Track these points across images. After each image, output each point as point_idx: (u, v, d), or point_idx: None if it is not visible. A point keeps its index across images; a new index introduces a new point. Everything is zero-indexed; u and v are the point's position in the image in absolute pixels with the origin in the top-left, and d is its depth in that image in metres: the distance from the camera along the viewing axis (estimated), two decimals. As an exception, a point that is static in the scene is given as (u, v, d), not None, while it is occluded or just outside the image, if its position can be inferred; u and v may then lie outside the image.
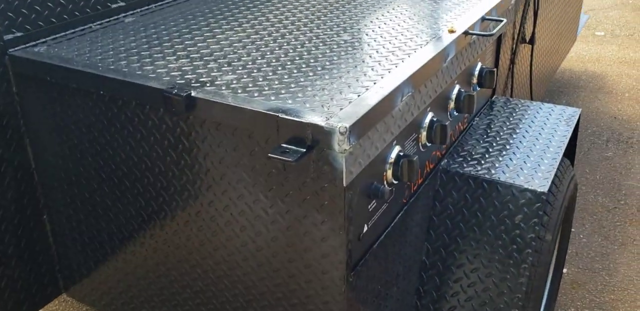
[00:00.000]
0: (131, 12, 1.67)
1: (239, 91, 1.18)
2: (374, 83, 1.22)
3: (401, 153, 1.31)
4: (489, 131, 1.85)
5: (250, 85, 1.21)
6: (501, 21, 1.66)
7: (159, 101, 1.20)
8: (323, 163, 1.09)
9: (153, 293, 1.56)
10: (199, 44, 1.44)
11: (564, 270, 2.63)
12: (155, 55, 1.37)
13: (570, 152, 2.08)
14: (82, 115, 1.37)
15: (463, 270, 1.63)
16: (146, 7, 1.72)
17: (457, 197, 1.64)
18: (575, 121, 1.90)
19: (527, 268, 1.56)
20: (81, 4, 1.53)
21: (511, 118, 1.92)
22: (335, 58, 1.36)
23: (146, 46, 1.43)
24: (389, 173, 1.30)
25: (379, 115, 1.15)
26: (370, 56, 1.36)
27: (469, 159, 1.69)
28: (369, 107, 1.11)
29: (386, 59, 1.35)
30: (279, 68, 1.30)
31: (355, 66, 1.31)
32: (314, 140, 1.06)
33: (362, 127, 1.09)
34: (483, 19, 1.64)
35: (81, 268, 1.68)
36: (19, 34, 1.39)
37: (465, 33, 1.53)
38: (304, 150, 1.06)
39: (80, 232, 1.60)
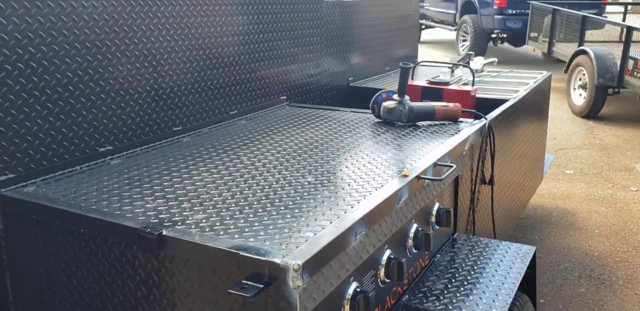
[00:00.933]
0: (117, 154, 1.84)
1: (207, 230, 1.31)
2: (330, 222, 1.35)
3: (358, 289, 1.40)
4: (449, 268, 1.94)
5: (217, 224, 1.34)
6: (451, 166, 1.84)
7: (134, 239, 1.32)
8: (279, 298, 1.18)
9: None
10: (175, 185, 1.59)
11: None
12: (135, 196, 1.51)
13: (530, 289, 2.16)
14: (63, 251, 1.47)
15: None
16: (132, 150, 1.89)
17: (419, 332, 1.69)
18: (529, 258, 2.01)
19: None
20: (71, 148, 1.70)
21: (470, 256, 2.03)
22: (298, 198, 1.50)
23: (127, 187, 1.58)
24: (347, 308, 1.38)
25: (332, 253, 1.26)
26: (329, 197, 1.51)
27: (429, 295, 1.77)
28: (322, 245, 1.23)
29: (344, 200, 1.49)
30: (246, 207, 1.44)
31: (315, 206, 1.45)
32: (271, 276, 1.16)
33: (316, 264, 1.20)
34: (435, 164, 1.82)
35: None
36: (11, 176, 1.54)
37: (418, 177, 1.69)
38: (262, 286, 1.16)
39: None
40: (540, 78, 3.59)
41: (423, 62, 3.12)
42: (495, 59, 4.01)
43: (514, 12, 10.19)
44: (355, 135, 2.17)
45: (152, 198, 1.50)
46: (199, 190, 1.56)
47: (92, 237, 1.41)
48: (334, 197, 1.51)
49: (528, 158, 3.40)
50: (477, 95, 3.01)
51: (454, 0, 12.04)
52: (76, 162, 1.71)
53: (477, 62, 3.97)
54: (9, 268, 1.56)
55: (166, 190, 1.56)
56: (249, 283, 1.17)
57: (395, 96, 2.35)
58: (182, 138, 2.09)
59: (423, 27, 14.33)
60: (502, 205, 2.81)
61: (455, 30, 11.95)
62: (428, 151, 1.94)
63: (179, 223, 1.34)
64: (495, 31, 10.43)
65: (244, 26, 2.38)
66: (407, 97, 2.35)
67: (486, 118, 2.42)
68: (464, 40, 11.39)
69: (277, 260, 1.16)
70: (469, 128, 2.28)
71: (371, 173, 1.71)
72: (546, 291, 3.40)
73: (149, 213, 1.40)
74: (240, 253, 1.19)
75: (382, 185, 1.60)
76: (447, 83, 3.02)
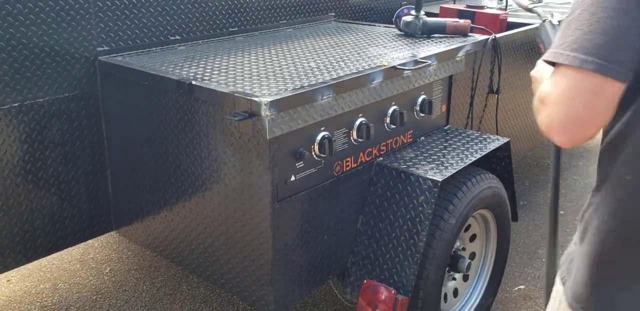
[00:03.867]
0: (184, 43, 2.53)
1: (222, 83, 1.96)
2: (306, 84, 1.95)
3: (325, 136, 2.01)
4: (426, 146, 2.49)
5: (230, 81, 1.99)
6: (426, 62, 2.34)
7: (175, 87, 2.00)
8: (258, 123, 1.82)
9: (177, 232, 2.30)
10: (216, 62, 2.25)
11: (521, 287, 3.09)
12: (185, 66, 2.19)
13: (506, 175, 2.66)
14: (135, 97, 2.20)
15: (385, 236, 2.25)
16: (195, 42, 2.58)
17: (384, 182, 2.28)
18: (497, 144, 2.51)
19: (424, 235, 2.16)
20: (149, 34, 2.41)
21: (449, 141, 2.55)
22: (295, 74, 2.11)
23: (182, 61, 2.26)
24: (316, 147, 2.00)
25: (298, 102, 1.87)
26: (316, 75, 2.10)
27: (399, 158, 2.35)
28: (289, 94, 1.84)
29: (324, 75, 2.08)
30: (255, 76, 2.07)
31: (301, 78, 2.05)
32: (253, 109, 1.80)
33: (282, 104, 1.81)
34: (415, 61, 2.34)
35: (130, 213, 2.46)
36: (106, 48, 2.27)
37: (394, 67, 2.23)
38: (247, 114, 1.80)
39: (132, 185, 2.39)
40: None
41: (463, -12, 3.52)
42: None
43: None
44: (371, 42, 2.70)
45: (196, 67, 2.18)
46: (230, 66, 2.21)
47: (152, 87, 2.12)
48: (319, 75, 2.10)
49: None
50: (511, 20, 3.40)
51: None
52: (152, 44, 2.42)
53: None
54: (104, 112, 2.32)
55: (208, 63, 2.23)
56: (239, 112, 1.81)
57: (413, 11, 2.84)
58: (236, 37, 2.74)
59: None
60: (513, 114, 3.25)
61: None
62: (420, 53, 2.46)
63: (205, 79, 2.00)
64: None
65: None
66: (422, 12, 2.83)
67: (494, 35, 2.86)
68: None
69: (256, 99, 1.79)
70: (469, 40, 2.74)
71: (361, 64, 2.27)
72: (569, 206, 3.81)
73: (189, 74, 2.08)
74: (235, 95, 1.83)
75: (363, 69, 2.17)
76: (481, 8, 3.44)
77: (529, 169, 4.39)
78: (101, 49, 2.27)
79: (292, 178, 1.96)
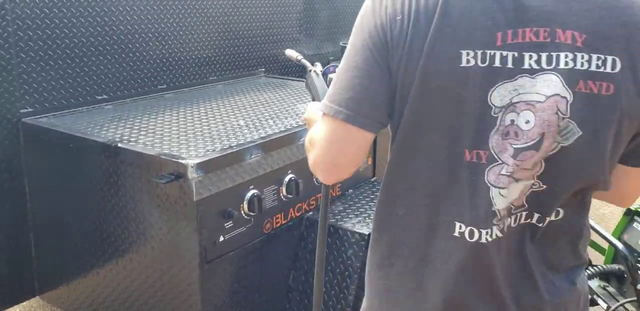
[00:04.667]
0: (111, 102, 2.53)
1: (148, 145, 1.96)
2: (234, 144, 1.98)
3: (255, 194, 2.03)
4: (354, 198, 2.55)
5: (156, 143, 2.00)
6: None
7: (102, 149, 1.99)
8: (184, 185, 1.82)
9: (104, 296, 2.24)
10: (143, 122, 2.26)
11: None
12: (111, 126, 2.19)
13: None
14: (61, 159, 2.17)
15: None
16: (122, 100, 2.58)
17: (315, 237, 2.31)
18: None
19: (354, 289, 2.19)
20: (76, 94, 2.40)
21: (375, 191, 2.62)
22: (223, 132, 2.14)
23: (109, 122, 2.25)
24: (245, 205, 2.02)
25: (226, 162, 1.90)
26: (248, 134, 2.14)
27: (328, 213, 2.38)
28: (217, 155, 1.86)
29: (253, 134, 2.12)
30: (183, 135, 2.09)
31: (229, 137, 2.08)
32: (180, 171, 1.81)
33: (209, 166, 1.83)
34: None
35: (55, 277, 2.37)
36: (30, 110, 2.25)
37: (321, 124, 2.30)
38: (173, 177, 1.81)
39: (57, 248, 2.32)
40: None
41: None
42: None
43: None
44: (300, 98, 2.78)
45: (122, 127, 2.18)
46: (157, 125, 2.22)
47: (78, 150, 2.09)
48: (249, 133, 2.14)
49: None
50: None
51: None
52: (78, 104, 2.41)
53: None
54: (28, 174, 2.27)
55: (135, 123, 2.23)
56: (165, 175, 1.82)
57: (339, 69, 2.94)
58: (165, 94, 2.77)
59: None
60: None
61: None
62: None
63: (131, 141, 2.01)
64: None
65: (221, 9, 3.03)
66: (348, 70, 2.93)
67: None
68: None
69: (182, 161, 1.80)
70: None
71: (290, 121, 2.33)
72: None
73: (115, 135, 2.07)
74: (162, 157, 1.84)
75: (289, 128, 2.22)
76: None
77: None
78: (25, 110, 2.24)
79: (221, 238, 1.96)
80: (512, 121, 1.05)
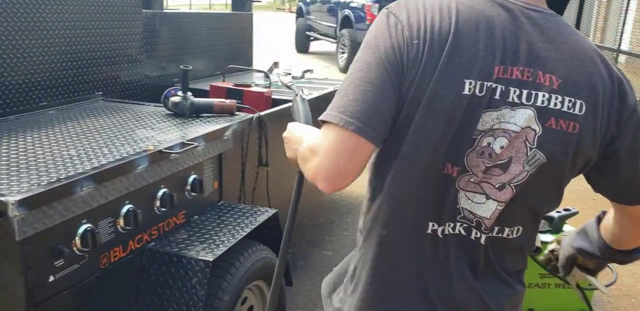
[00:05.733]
0: None
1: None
2: (62, 177, 1.86)
3: (88, 228, 1.92)
4: (199, 224, 2.50)
5: (-26, 178, 1.83)
6: (192, 144, 2.39)
7: None
8: (6, 224, 1.68)
9: None
10: (-42, 155, 2.06)
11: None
12: None
13: (276, 241, 2.76)
14: None
15: (161, 325, 2.18)
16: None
17: (157, 268, 2.23)
18: (266, 216, 2.61)
19: (201, 318, 2.14)
20: None
21: (222, 216, 2.60)
22: (51, 164, 2.00)
23: None
24: (77, 241, 1.90)
25: (53, 197, 1.78)
26: (79, 164, 2.02)
27: (171, 241, 2.32)
28: (42, 189, 1.74)
29: (90, 164, 2.01)
30: (5, 167, 1.93)
31: (58, 169, 1.96)
32: (2, 209, 1.67)
33: (33, 202, 1.71)
34: (183, 143, 2.38)
35: None
36: None
37: (160, 151, 2.24)
38: (-7, 216, 1.66)
39: None
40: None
41: (230, 67, 3.70)
42: (312, 69, 4.67)
43: (384, 26, 11.04)
44: (139, 123, 2.69)
45: None
46: (-24, 158, 2.04)
47: None
48: (80, 164, 2.03)
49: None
50: (276, 97, 3.62)
51: (335, 14, 12.84)
52: None
53: (298, 70, 4.63)
54: None
55: (-52, 157, 2.03)
56: (-15, 214, 1.66)
57: (180, 92, 2.90)
58: (-14, 123, 2.55)
59: (311, 38, 15.08)
60: (282, 184, 3.42)
61: (336, 42, 12.76)
62: (188, 134, 2.50)
63: (-57, 177, 1.82)
64: (369, 43, 11.24)
65: (63, 31, 2.86)
66: (189, 93, 2.90)
67: (258, 113, 3.02)
68: (343, 52, 12.20)
69: (2, 198, 1.66)
70: (236, 119, 2.86)
71: (127, 149, 2.24)
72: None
73: None
74: (-22, 194, 1.69)
75: (128, 155, 2.13)
76: (249, 86, 3.63)
77: (305, 230, 4.60)
78: None
79: (51, 278, 1.83)
80: (489, 144, 1.22)
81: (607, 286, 2.89)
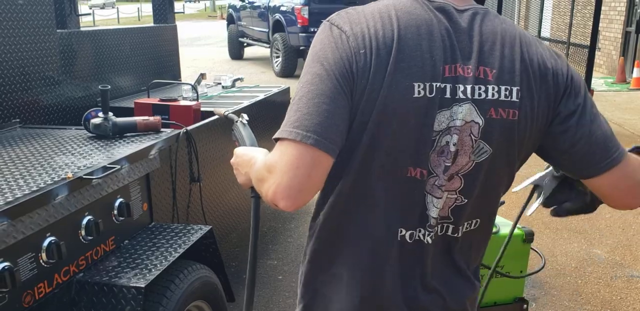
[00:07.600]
0: None
1: None
2: (-29, 216, 1.77)
3: (5, 267, 1.83)
4: (130, 249, 2.43)
5: None
6: (115, 168, 2.32)
7: None
8: None
9: None
10: None
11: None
12: None
13: (215, 261, 2.71)
14: None
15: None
16: None
17: (87, 300, 2.15)
18: (200, 234, 2.56)
19: (138, 348, 2.07)
20: None
21: (154, 238, 2.53)
22: (-40, 201, 1.90)
23: None
24: (-6, 282, 1.81)
25: (-38, 237, 1.69)
26: (-13, 198, 1.93)
27: (101, 270, 2.24)
28: (-52, 231, 1.65)
29: (3, 198, 1.92)
30: None
31: (-31, 206, 1.86)
32: None
33: (-61, 244, 1.61)
34: (104, 167, 2.30)
35: None
36: None
37: (80, 178, 2.16)
38: None
39: None
40: (272, 92, 4.24)
41: (155, 82, 3.62)
42: (242, 76, 4.63)
43: (316, 29, 11.11)
44: (59, 149, 2.59)
45: None
46: None
47: None
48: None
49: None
50: (205, 109, 3.56)
51: (266, 19, 12.81)
52: None
53: (228, 79, 4.57)
54: None
55: None
56: None
57: (101, 114, 2.81)
58: None
59: (245, 45, 15.00)
60: (217, 199, 3.37)
61: (269, 47, 12.73)
62: (111, 156, 2.42)
63: None
64: (301, 47, 11.30)
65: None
66: (111, 114, 2.81)
67: (185, 128, 2.96)
68: (277, 57, 12.17)
69: None
70: (162, 136, 2.79)
71: (44, 178, 2.14)
72: (286, 269, 4.01)
73: None
74: None
75: (45, 185, 2.05)
76: (175, 100, 3.55)
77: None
78: None
79: (-32, 322, 1.74)
80: (447, 142, 1.26)
81: (536, 272, 2.99)
